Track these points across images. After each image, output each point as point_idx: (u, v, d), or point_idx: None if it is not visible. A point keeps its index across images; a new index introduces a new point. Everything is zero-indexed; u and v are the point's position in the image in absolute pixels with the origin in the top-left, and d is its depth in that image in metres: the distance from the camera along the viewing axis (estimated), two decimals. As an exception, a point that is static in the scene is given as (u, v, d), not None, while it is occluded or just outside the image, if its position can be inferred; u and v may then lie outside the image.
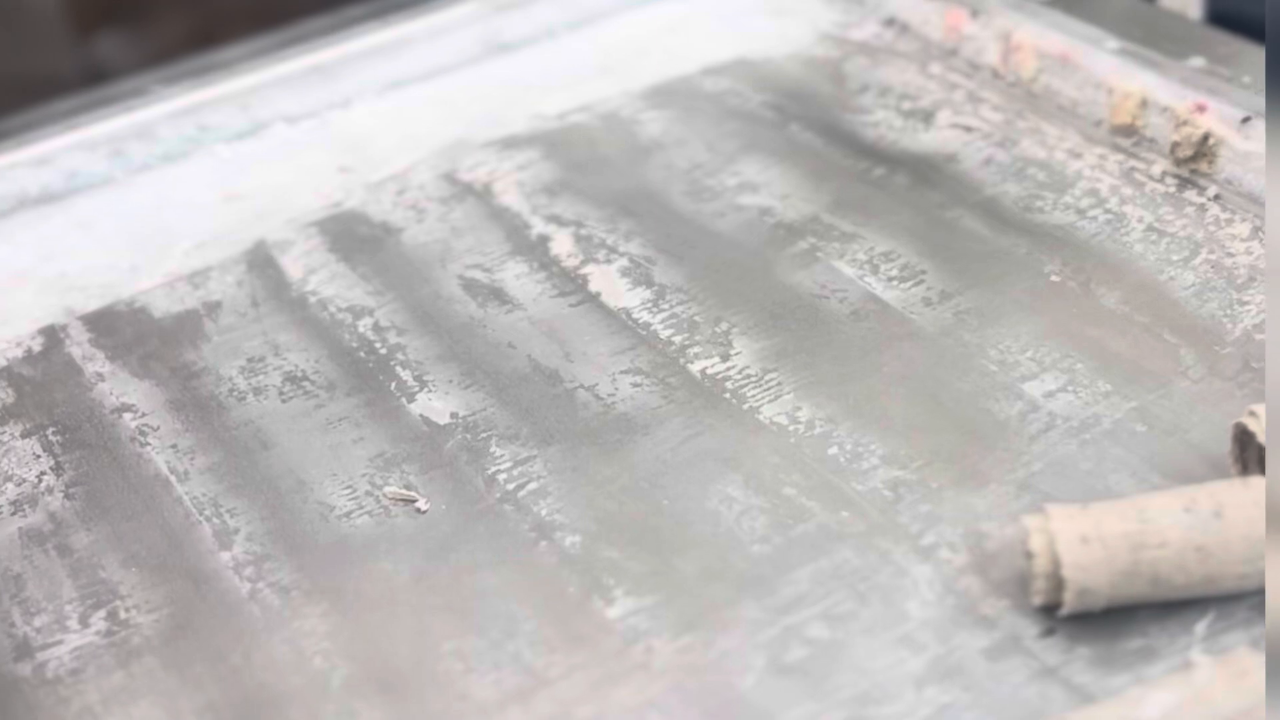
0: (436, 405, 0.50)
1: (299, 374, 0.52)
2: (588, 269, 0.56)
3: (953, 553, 0.44)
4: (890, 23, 0.67)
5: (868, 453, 0.47)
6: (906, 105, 0.62)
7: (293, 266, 0.58)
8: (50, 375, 0.53)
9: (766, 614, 0.42)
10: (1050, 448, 0.46)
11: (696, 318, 0.53)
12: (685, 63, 0.67)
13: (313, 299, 0.56)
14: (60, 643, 0.44)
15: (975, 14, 0.64)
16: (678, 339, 0.52)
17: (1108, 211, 0.55)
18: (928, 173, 0.59)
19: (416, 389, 0.51)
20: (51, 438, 0.51)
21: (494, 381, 0.51)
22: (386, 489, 0.47)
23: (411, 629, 0.43)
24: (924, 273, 0.54)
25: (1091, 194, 0.56)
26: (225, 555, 0.46)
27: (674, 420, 0.49)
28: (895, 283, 0.53)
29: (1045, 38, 0.61)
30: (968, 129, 0.61)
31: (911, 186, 0.58)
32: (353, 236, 0.59)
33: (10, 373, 0.54)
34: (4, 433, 0.51)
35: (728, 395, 0.50)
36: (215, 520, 0.47)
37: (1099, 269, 0.53)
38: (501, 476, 0.47)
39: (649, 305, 0.54)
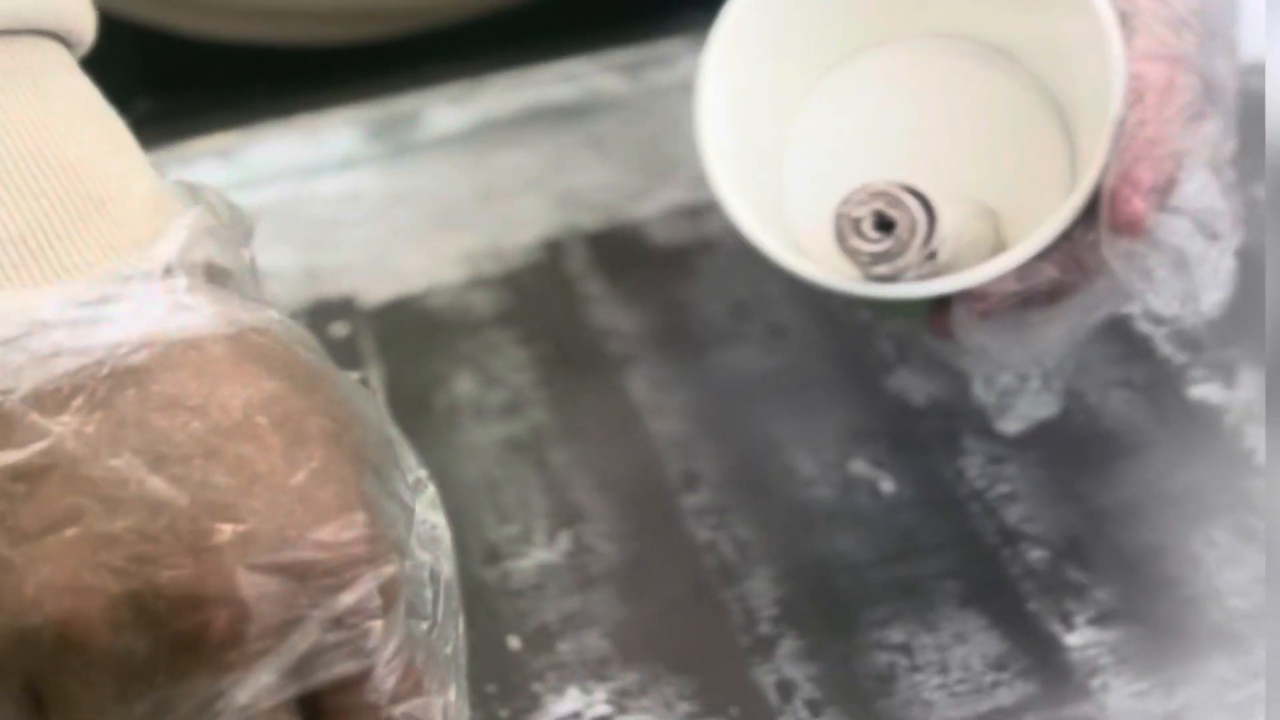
0: (914, 384, 0.49)
1: (781, 328, 0.53)
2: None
3: None
4: None
5: (1377, 520, 0.43)
6: None
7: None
8: (548, 288, 0.56)
9: (1238, 674, 0.40)
10: None
11: (1203, 337, 0.50)
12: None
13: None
14: (527, 555, 0.46)
15: None
16: (1179, 357, 0.49)
17: None
18: None
19: (895, 364, 0.50)
20: (542, 350, 0.53)
21: (976, 368, 0.50)
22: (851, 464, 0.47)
23: (860, 612, 0.43)
24: None
25: None
26: (689, 499, 0.47)
27: (1164, 445, 0.46)
28: None
29: None
30: None
31: None
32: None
33: (514, 280, 0.56)
34: (501, 338, 0.54)
35: (1226, 428, 0.46)
36: (683, 462, 0.48)
37: None
38: (972, 472, 0.46)
39: (1152, 315, 0.51)
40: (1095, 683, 0.40)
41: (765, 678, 0.41)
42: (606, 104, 0.63)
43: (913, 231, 0.38)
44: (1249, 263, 0.52)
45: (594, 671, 0.42)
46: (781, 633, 0.42)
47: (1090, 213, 0.38)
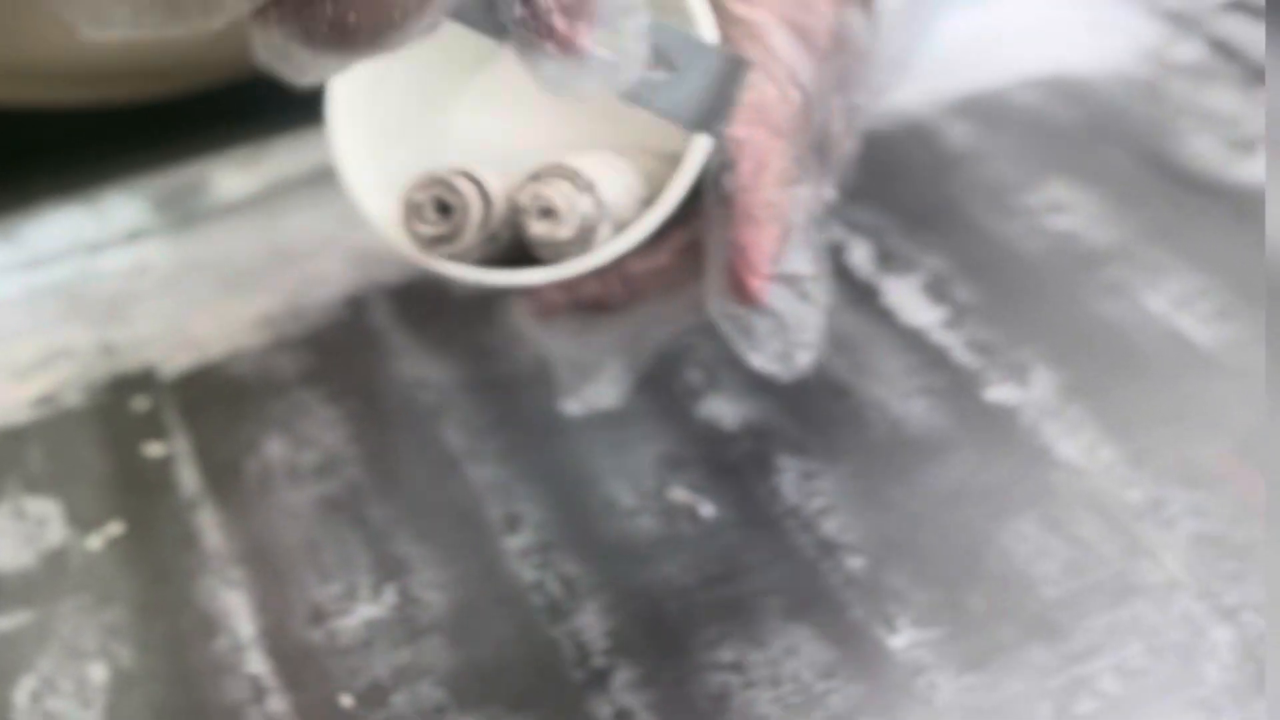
0: (724, 410, 0.50)
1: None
2: (884, 281, 0.55)
3: (1257, 616, 0.42)
4: (1215, 44, 0.65)
5: (1170, 500, 0.45)
6: (1228, 133, 0.60)
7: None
8: (354, 345, 0.55)
9: (1056, 660, 0.41)
10: (1370, 515, 0.44)
11: (994, 342, 0.52)
12: (997, 75, 0.65)
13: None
14: (352, 612, 0.45)
15: (1310, 41, 0.61)
16: (974, 363, 0.51)
17: None
18: (1249, 206, 0.56)
19: (704, 391, 0.51)
20: (352, 406, 0.52)
21: (782, 390, 0.51)
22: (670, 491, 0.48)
23: (690, 636, 0.43)
24: (1237, 313, 0.51)
25: None
26: (512, 541, 0.47)
27: (966, 448, 0.48)
28: (1208, 321, 0.51)
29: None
30: (1294, 163, 0.58)
31: (1230, 219, 0.56)
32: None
33: (318, 339, 0.55)
34: (309, 397, 0.53)
35: (1023, 427, 0.48)
36: (503, 505, 0.48)
37: None
38: (787, 489, 0.47)
39: (945, 324, 0.53)
40: (922, 681, 0.41)
41: (602, 709, 0.41)
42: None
43: (466, 215, 0.39)
44: (1029, 265, 0.55)
45: (430, 722, 0.42)
46: (615, 663, 0.43)
47: (649, 241, 0.40)
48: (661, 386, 0.52)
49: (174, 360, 0.55)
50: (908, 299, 0.54)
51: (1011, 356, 0.51)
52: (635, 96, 0.36)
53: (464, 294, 0.57)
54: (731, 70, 0.38)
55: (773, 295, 0.39)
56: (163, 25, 0.30)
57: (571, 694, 0.42)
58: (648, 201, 0.40)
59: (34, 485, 0.50)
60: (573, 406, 0.47)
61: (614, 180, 0.40)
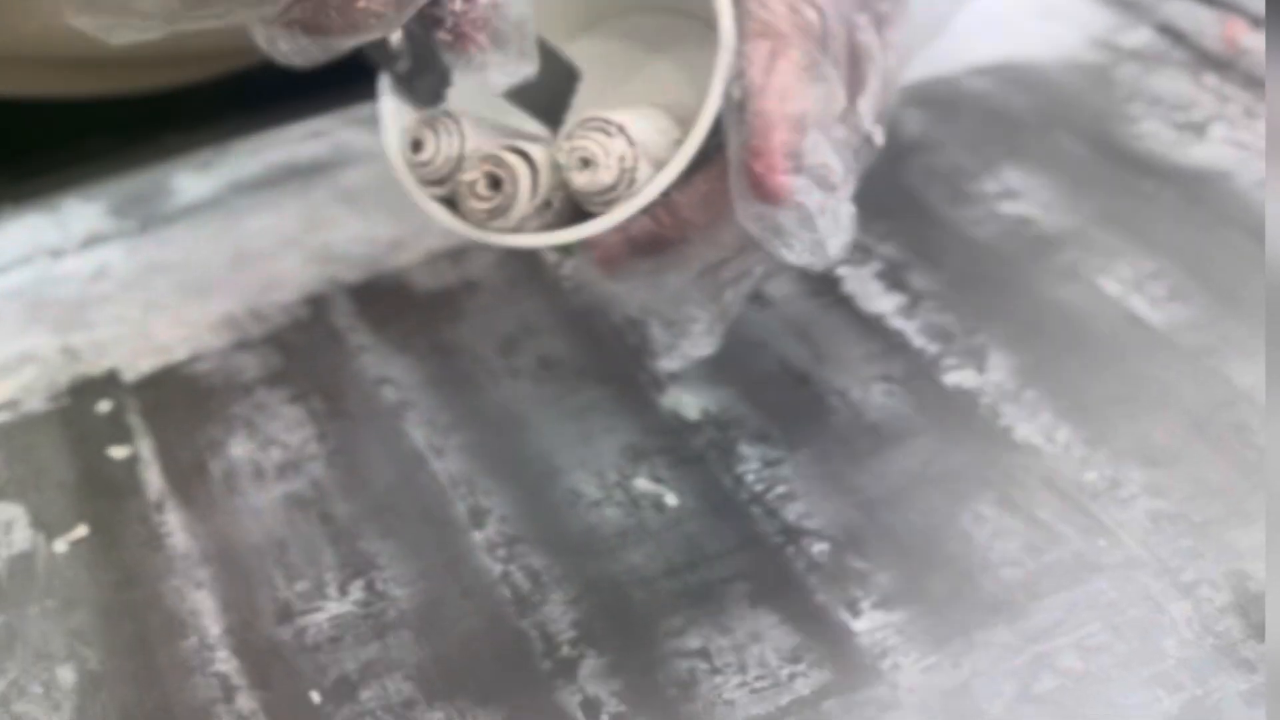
0: (687, 400, 0.51)
1: (552, 358, 0.53)
2: (841, 269, 0.55)
3: (1214, 591, 0.42)
4: (1164, 30, 0.65)
5: (1127, 480, 0.46)
6: (1178, 117, 0.61)
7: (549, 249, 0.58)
8: (316, 344, 0.55)
9: (1017, 640, 0.42)
10: (1322, 489, 0.45)
11: (952, 327, 0.52)
12: (949, 63, 0.66)
13: (567, 285, 0.57)
14: (320, 609, 0.45)
15: (1256, 25, 0.62)
16: (932, 348, 0.51)
17: (1392, 241, 0.53)
18: (1199, 189, 0.57)
19: (666, 382, 0.52)
20: (315, 405, 0.53)
21: (744, 380, 0.51)
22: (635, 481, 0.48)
23: (657, 624, 0.43)
24: (1190, 294, 0.52)
25: (1375, 221, 0.54)
26: (478, 535, 0.47)
27: (926, 432, 0.48)
28: (1159, 303, 0.52)
29: (1332, 54, 0.59)
30: (1243, 146, 0.59)
31: (1181, 203, 0.56)
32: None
33: (280, 339, 0.56)
34: (272, 397, 0.53)
35: (982, 410, 0.49)
36: (469, 499, 0.48)
37: (1380, 302, 0.51)
38: (750, 477, 0.48)
39: (903, 311, 0.53)
40: (886, 663, 0.42)
41: (570, 699, 0.42)
42: (355, 157, 0.64)
43: (516, 185, 0.40)
44: (985, 251, 0.55)
45: (400, 715, 0.42)
46: (582, 653, 0.43)
47: (688, 173, 0.41)
48: (624, 378, 0.52)
49: (137, 363, 0.55)
50: (865, 287, 0.54)
51: (969, 341, 0.51)
52: (512, 95, 0.41)
53: (425, 291, 0.57)
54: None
55: (797, 189, 0.39)
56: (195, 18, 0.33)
57: (540, 684, 0.42)
58: (682, 141, 0.41)
59: (-2, 491, 0.50)
60: (671, 363, 0.48)
61: (644, 122, 0.41)
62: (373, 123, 0.64)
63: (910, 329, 0.52)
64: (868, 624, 0.43)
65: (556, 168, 0.41)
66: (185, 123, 0.64)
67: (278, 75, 0.65)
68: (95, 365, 0.55)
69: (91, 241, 0.61)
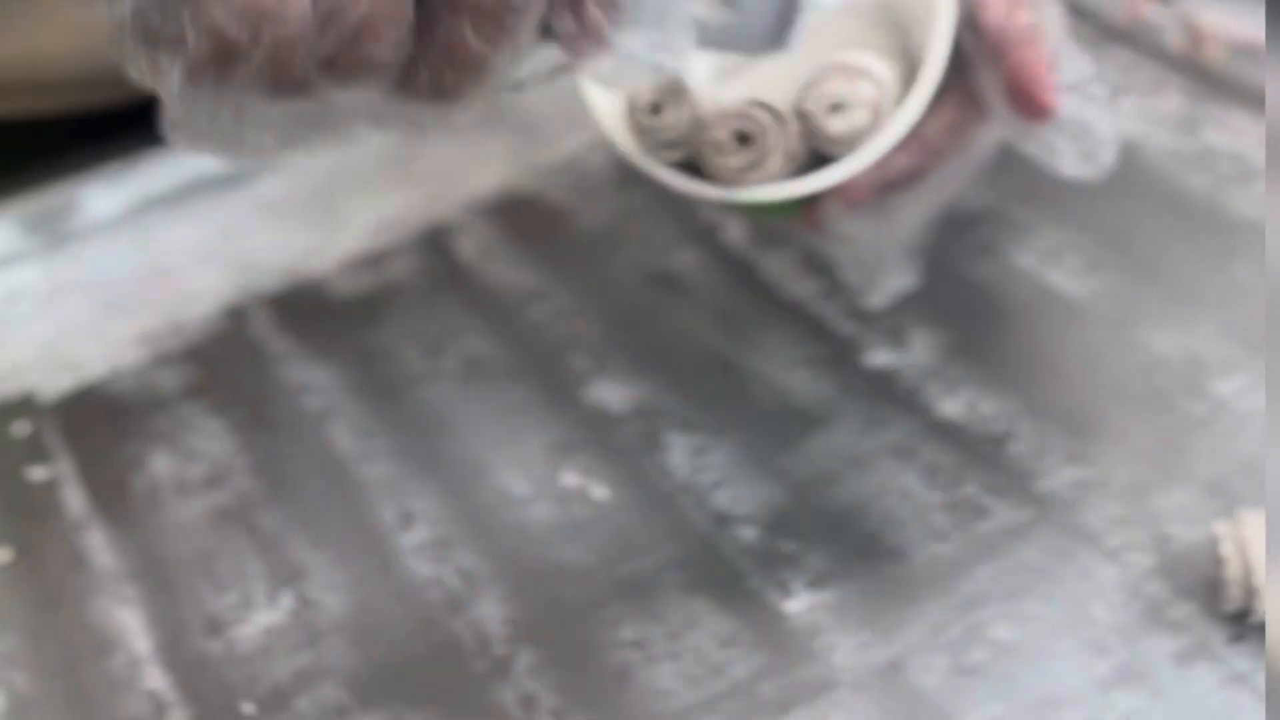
0: (611, 393, 0.51)
1: (475, 358, 0.53)
2: (760, 257, 0.55)
3: (1140, 555, 0.43)
4: (1069, 8, 0.66)
5: (1051, 450, 0.46)
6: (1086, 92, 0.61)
7: (466, 249, 0.58)
8: (236, 355, 0.55)
9: (948, 613, 0.42)
10: (1240, 448, 0.45)
11: (871, 307, 0.52)
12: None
13: (487, 282, 0.56)
14: (249, 620, 0.45)
15: (1159, -2, 0.62)
16: (852, 330, 0.52)
17: (1298, 204, 0.54)
18: (1109, 162, 0.57)
19: (591, 376, 0.51)
20: (238, 417, 0.52)
21: (668, 370, 0.51)
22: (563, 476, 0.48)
23: (590, 616, 0.43)
24: (1105, 265, 0.53)
25: None
26: (407, 538, 0.47)
27: (850, 413, 0.48)
28: (1075, 275, 0.52)
29: (1232, 23, 0.59)
30: (1151, 117, 0.59)
31: (1092, 176, 0.57)
32: (525, 220, 0.59)
33: (199, 352, 0.55)
34: (193, 411, 0.52)
35: (904, 389, 0.49)
36: (397, 503, 0.48)
37: (1290, 264, 0.51)
38: (677, 466, 0.48)
39: (823, 294, 0.53)
40: (819, 643, 0.42)
41: (506, 696, 0.42)
42: (269, 167, 0.63)
43: (767, 138, 0.41)
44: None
45: (335, 723, 0.42)
46: (516, 650, 0.43)
47: (931, 104, 0.41)
48: (548, 375, 0.52)
49: (54, 383, 0.54)
50: (785, 272, 0.54)
51: (888, 321, 0.52)
52: (710, 42, 0.38)
53: (345, 298, 0.57)
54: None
55: (1067, 105, 0.41)
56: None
57: (475, 684, 0.42)
58: (908, 79, 0.42)
59: (-84, 519, 0.49)
60: (875, 300, 0.48)
61: (877, 64, 0.42)
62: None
63: (830, 312, 0.53)
64: (800, 605, 0.43)
65: (800, 117, 0.41)
66: (93, 138, 0.63)
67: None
68: (11, 387, 0.54)
69: (2, 262, 0.60)
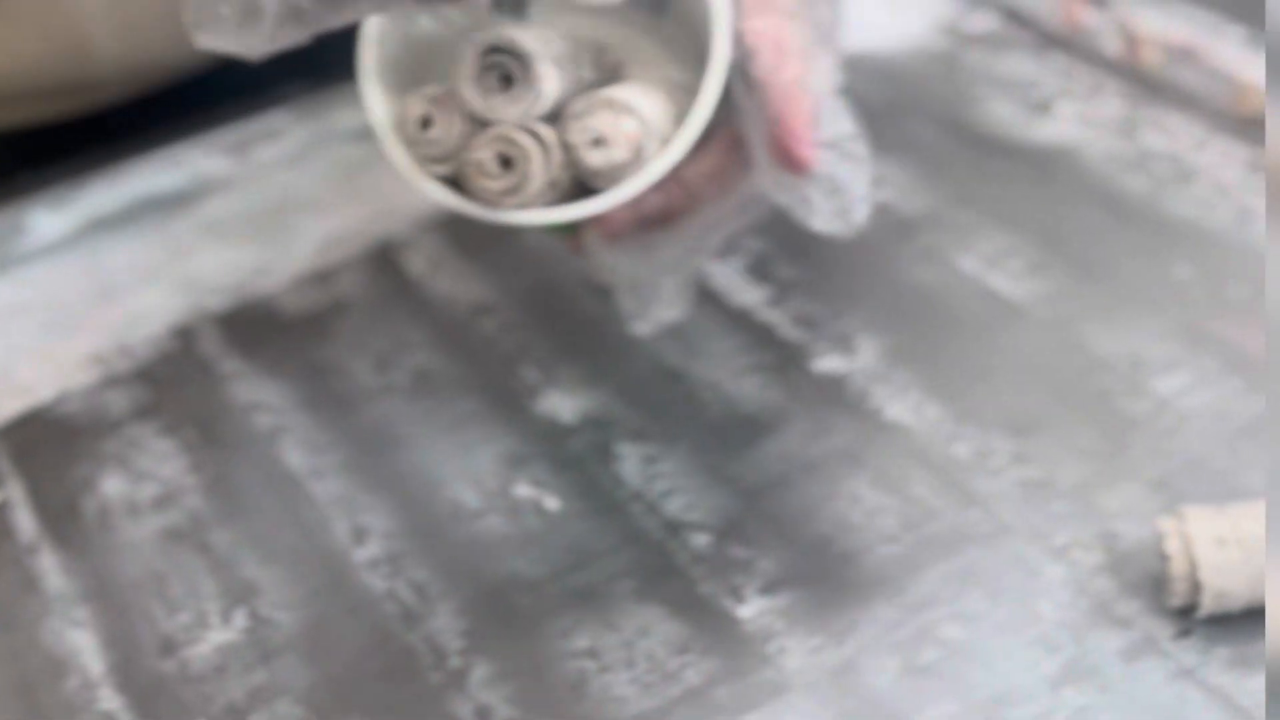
0: (562, 404, 0.51)
1: (426, 372, 0.53)
2: (708, 265, 0.56)
3: (1086, 553, 0.43)
4: (1007, 14, 0.67)
5: (996, 451, 0.47)
6: (1025, 96, 0.62)
7: (415, 264, 0.58)
8: (185, 375, 0.55)
9: (898, 614, 0.42)
10: (1183, 446, 0.46)
11: (818, 315, 0.53)
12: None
13: (436, 297, 0.56)
14: (203, 640, 0.45)
15: (1097, 4, 0.63)
16: (800, 336, 0.52)
17: (1234, 204, 0.55)
18: (1048, 166, 0.58)
19: (541, 388, 0.52)
20: (188, 437, 0.52)
21: (618, 380, 0.52)
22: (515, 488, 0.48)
23: (544, 627, 0.44)
24: (1047, 268, 0.53)
25: (1217, 187, 0.56)
26: (360, 553, 0.47)
27: (799, 419, 0.49)
28: (1017, 278, 0.53)
29: (1169, 27, 0.60)
30: (1089, 121, 0.60)
31: (1032, 180, 0.58)
32: (473, 234, 0.60)
33: (148, 373, 0.55)
34: (143, 431, 0.52)
35: (852, 393, 0.50)
36: (349, 518, 0.48)
37: (1226, 263, 0.52)
38: (629, 475, 0.48)
39: (770, 302, 0.54)
40: (772, 647, 0.42)
41: (462, 708, 0.42)
42: (217, 185, 0.63)
43: (529, 163, 0.41)
44: (846, 240, 0.56)
45: (291, 739, 0.42)
46: (471, 662, 0.43)
47: (695, 147, 0.42)
48: (498, 387, 0.52)
49: (2, 406, 0.54)
50: (732, 280, 0.55)
51: (835, 328, 0.52)
52: None
53: (294, 314, 0.57)
54: None
55: (824, 160, 0.41)
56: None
57: (430, 696, 0.42)
58: (681, 117, 0.42)
59: None
60: (642, 328, 0.48)
61: (648, 102, 0.42)
62: (235, 149, 0.64)
63: (778, 319, 0.53)
64: (752, 610, 0.43)
65: (564, 147, 0.41)
66: (37, 158, 0.62)
67: (133, 105, 0.65)
68: (-42, 411, 0.54)
69: (-52, 286, 0.60)
